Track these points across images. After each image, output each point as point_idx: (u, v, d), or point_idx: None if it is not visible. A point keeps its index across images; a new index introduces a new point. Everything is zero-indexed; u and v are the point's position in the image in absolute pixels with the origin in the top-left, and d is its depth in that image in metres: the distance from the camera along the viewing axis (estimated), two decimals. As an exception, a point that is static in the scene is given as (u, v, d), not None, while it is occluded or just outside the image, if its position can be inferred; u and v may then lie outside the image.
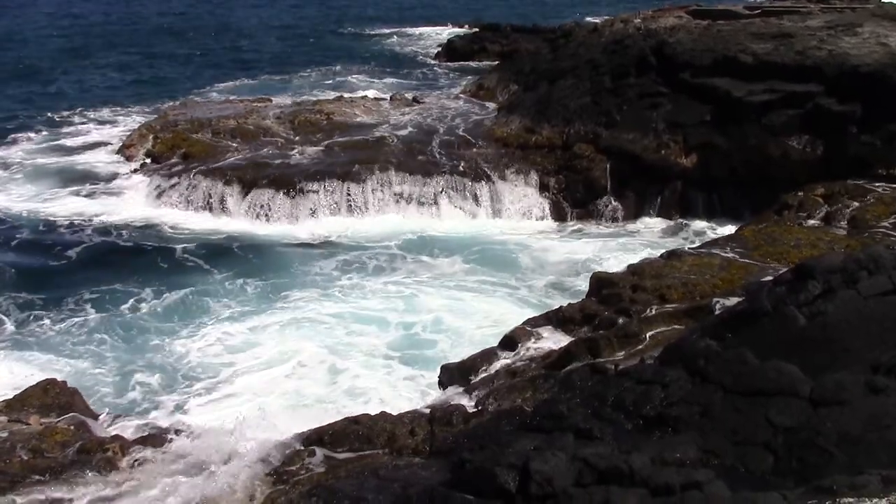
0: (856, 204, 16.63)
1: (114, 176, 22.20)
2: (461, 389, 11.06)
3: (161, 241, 18.11)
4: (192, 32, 54.09)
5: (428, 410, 9.85)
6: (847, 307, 8.22)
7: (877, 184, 17.41)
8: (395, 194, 20.83)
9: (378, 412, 9.84)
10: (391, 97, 28.44)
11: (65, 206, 20.06)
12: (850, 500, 5.47)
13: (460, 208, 20.89)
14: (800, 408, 7.16)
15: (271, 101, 28.56)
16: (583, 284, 14.14)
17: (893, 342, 7.70)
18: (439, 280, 16.13)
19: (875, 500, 5.39)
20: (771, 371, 7.61)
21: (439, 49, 45.22)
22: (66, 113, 29.56)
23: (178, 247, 17.75)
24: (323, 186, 20.66)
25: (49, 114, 29.42)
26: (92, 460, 8.98)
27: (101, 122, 27.79)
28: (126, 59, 42.95)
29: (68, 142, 25.47)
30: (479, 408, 9.90)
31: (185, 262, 16.99)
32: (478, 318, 14.34)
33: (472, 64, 40.84)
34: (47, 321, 14.18)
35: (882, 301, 8.19)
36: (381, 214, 20.31)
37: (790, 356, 7.84)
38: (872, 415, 6.87)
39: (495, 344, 12.38)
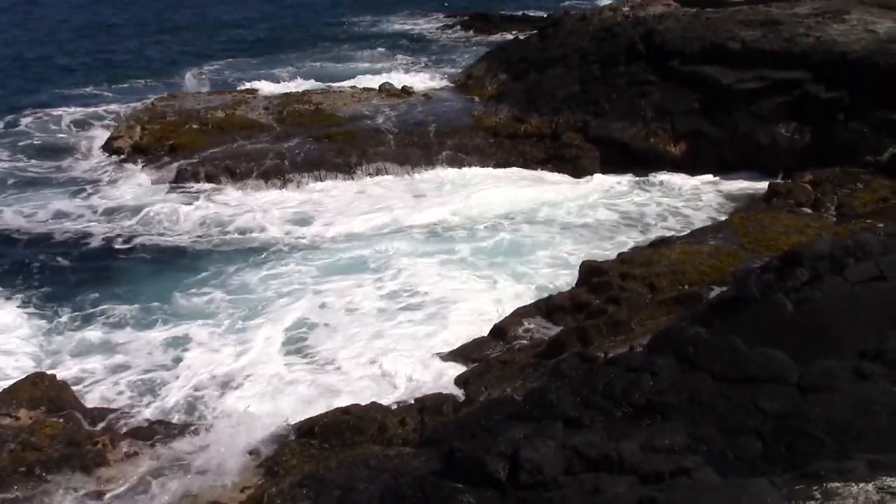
0: (844, 191, 16.70)
1: (100, 168, 22.02)
2: (452, 378, 11.08)
3: (154, 235, 17.88)
4: (181, 22, 53.74)
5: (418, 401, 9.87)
6: (835, 294, 8.27)
7: (865, 171, 17.47)
8: (386, 183, 20.84)
9: (369, 402, 9.86)
10: (380, 87, 28.31)
11: (52, 200, 19.76)
12: (838, 485, 5.50)
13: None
14: (788, 394, 7.20)
15: (259, 92, 28.41)
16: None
17: (880, 328, 7.75)
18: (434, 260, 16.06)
19: (861, 485, 5.42)
20: (759, 358, 7.65)
21: (429, 36, 45.13)
22: (48, 102, 29.34)
23: (172, 241, 17.58)
24: (314, 176, 20.66)
25: (29, 102, 29.19)
26: (81, 454, 8.96)
27: (88, 113, 27.51)
28: (113, 50, 42.67)
29: (54, 130, 25.23)
30: (470, 397, 9.92)
31: (183, 255, 16.80)
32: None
33: (465, 47, 40.86)
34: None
35: (869, 287, 8.23)
36: (375, 202, 20.26)
37: (778, 343, 7.88)
38: (860, 401, 6.92)
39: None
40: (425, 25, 49.71)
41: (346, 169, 21.05)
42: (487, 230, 17.37)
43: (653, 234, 16.33)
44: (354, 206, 19.27)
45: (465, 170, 21.47)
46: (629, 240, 16.48)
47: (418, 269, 15.39)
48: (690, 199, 18.87)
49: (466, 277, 15.06)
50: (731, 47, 21.06)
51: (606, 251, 15.58)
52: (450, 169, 21.44)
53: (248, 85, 29.69)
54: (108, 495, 8.42)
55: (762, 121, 19.66)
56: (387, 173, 21.26)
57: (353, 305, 14.09)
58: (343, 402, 10.23)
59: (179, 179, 20.72)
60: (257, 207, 19.21)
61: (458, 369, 11.28)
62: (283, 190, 20.42)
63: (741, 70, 20.49)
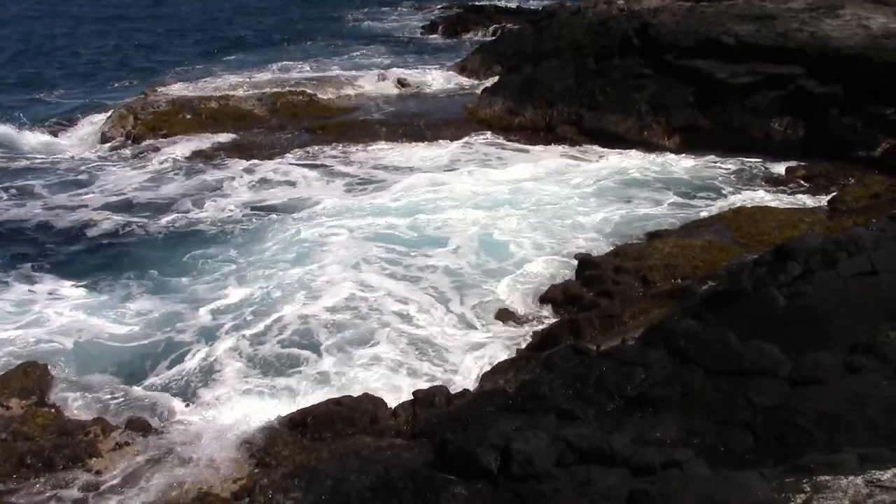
0: (837, 186, 16.76)
1: (96, 158, 21.93)
2: (445, 370, 11.09)
3: (162, 216, 17.71)
4: (170, 16, 53.60)
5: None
6: (826, 288, 8.31)
7: (857, 165, 17.51)
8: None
9: (361, 393, 9.85)
10: (375, 79, 28.31)
11: (55, 191, 19.59)
12: (827, 478, 5.53)
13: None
14: (779, 387, 7.24)
15: (252, 83, 28.33)
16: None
17: (872, 322, 7.79)
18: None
19: (851, 478, 5.44)
20: (751, 351, 7.69)
21: (423, 29, 45.06)
22: (39, 95, 29.25)
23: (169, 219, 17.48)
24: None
25: (25, 97, 29.05)
26: (73, 444, 8.93)
27: (79, 105, 27.39)
28: (103, 42, 42.51)
29: (45, 124, 25.08)
30: (462, 389, 9.92)
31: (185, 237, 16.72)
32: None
33: (459, 39, 40.96)
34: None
35: (861, 281, 8.28)
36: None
37: (770, 336, 7.92)
38: (851, 394, 6.95)
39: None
40: (421, 20, 49.54)
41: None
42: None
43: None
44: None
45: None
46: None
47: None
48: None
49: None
50: (725, 41, 21.07)
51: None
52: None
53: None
54: (99, 485, 8.39)
55: (756, 115, 19.69)
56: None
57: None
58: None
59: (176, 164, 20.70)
60: (267, 177, 19.48)
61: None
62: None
63: (735, 64, 20.50)
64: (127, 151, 22.05)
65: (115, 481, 8.45)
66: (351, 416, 9.11)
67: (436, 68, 31.26)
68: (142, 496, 8.17)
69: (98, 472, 8.58)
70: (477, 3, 50.40)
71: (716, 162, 19.35)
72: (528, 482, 6.39)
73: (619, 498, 5.99)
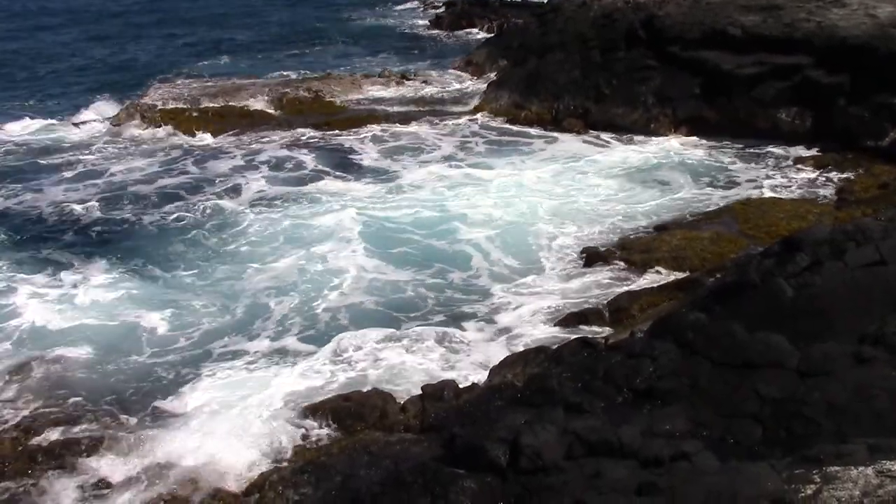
0: (844, 176, 16.70)
1: (101, 154, 21.97)
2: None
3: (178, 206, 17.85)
4: (177, 14, 53.68)
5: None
6: (834, 278, 8.27)
7: (865, 155, 17.44)
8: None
9: (370, 389, 9.88)
10: (380, 74, 28.28)
11: (74, 185, 19.70)
12: (837, 468, 5.52)
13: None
14: (787, 379, 7.22)
15: (258, 79, 28.35)
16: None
17: (880, 313, 7.75)
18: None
19: (861, 469, 5.44)
20: (758, 343, 7.67)
21: (428, 24, 45.00)
22: (44, 95, 29.32)
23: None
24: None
25: (29, 98, 29.16)
26: (83, 441, 8.99)
27: (86, 103, 27.44)
28: (105, 42, 42.57)
29: (53, 124, 25.18)
30: (471, 383, 9.94)
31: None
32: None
33: (464, 34, 40.99)
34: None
35: (869, 272, 8.23)
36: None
37: (778, 328, 7.89)
38: (859, 384, 6.93)
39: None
40: (425, 15, 49.39)
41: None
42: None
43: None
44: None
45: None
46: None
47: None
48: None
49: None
50: (731, 33, 20.98)
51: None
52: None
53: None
54: (111, 482, 8.44)
55: (763, 106, 19.62)
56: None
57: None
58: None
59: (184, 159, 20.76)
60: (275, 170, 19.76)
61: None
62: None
63: (741, 55, 20.42)
64: (134, 147, 22.11)
65: (126, 477, 8.49)
66: (360, 411, 9.14)
67: (441, 63, 31.21)
68: (153, 492, 8.22)
69: (109, 469, 8.62)
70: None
71: (722, 153, 19.31)
72: (537, 475, 6.40)
73: (627, 490, 5.99)
